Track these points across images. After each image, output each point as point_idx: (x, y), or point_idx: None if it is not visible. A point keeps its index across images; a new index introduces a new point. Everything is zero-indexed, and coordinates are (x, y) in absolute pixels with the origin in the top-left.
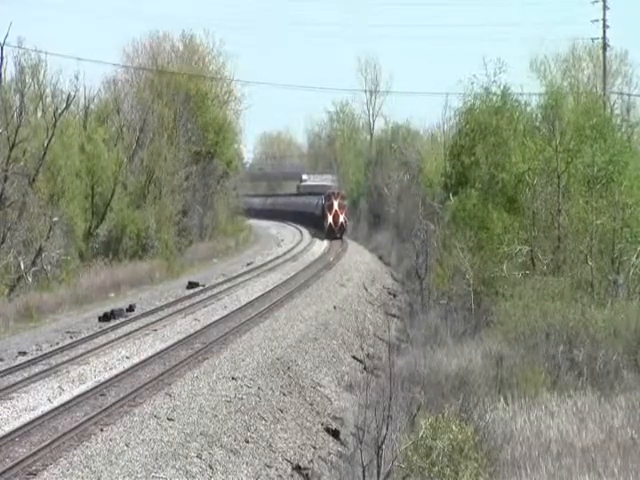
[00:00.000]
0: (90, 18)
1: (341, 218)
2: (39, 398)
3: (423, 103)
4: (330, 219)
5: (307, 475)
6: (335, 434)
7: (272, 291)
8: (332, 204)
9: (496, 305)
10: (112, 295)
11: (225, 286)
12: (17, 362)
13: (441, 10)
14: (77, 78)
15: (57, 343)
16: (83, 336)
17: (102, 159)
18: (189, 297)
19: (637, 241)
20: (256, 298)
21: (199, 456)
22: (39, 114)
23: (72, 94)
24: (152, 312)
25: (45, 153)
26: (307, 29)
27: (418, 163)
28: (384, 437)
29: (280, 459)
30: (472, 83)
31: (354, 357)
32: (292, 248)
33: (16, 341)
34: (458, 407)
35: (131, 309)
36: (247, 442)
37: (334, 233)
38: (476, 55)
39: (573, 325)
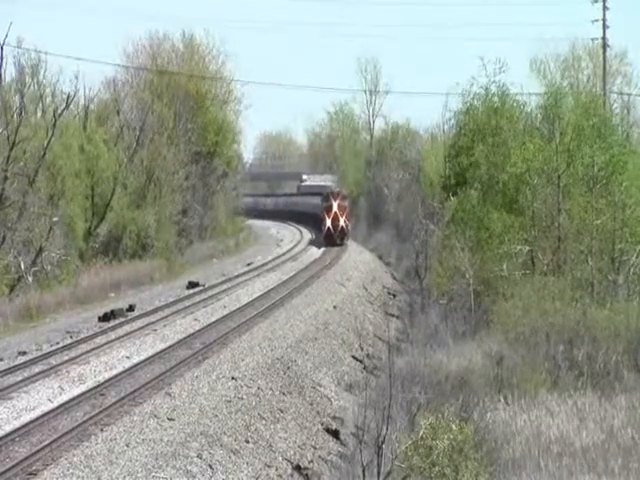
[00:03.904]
0: (90, 18)
1: (341, 221)
2: (39, 398)
3: (423, 103)
4: (329, 222)
5: (307, 475)
6: (335, 434)
7: (272, 291)
8: (331, 205)
9: (496, 305)
10: (112, 295)
11: (225, 286)
12: (17, 362)
13: (441, 10)
14: (77, 78)
15: (57, 343)
16: (83, 336)
17: (102, 159)
18: (189, 297)
19: (637, 241)
20: (256, 298)
21: (199, 456)
22: (39, 114)
23: (72, 94)
24: (152, 312)
25: (45, 153)
26: (306, 29)
27: (418, 163)
28: (384, 437)
29: (280, 459)
30: (472, 84)
31: (354, 357)
32: (292, 248)
33: (16, 341)
34: (458, 407)
35: (131, 309)
36: (247, 442)
37: (333, 239)
38: (476, 55)
39: (573, 325)
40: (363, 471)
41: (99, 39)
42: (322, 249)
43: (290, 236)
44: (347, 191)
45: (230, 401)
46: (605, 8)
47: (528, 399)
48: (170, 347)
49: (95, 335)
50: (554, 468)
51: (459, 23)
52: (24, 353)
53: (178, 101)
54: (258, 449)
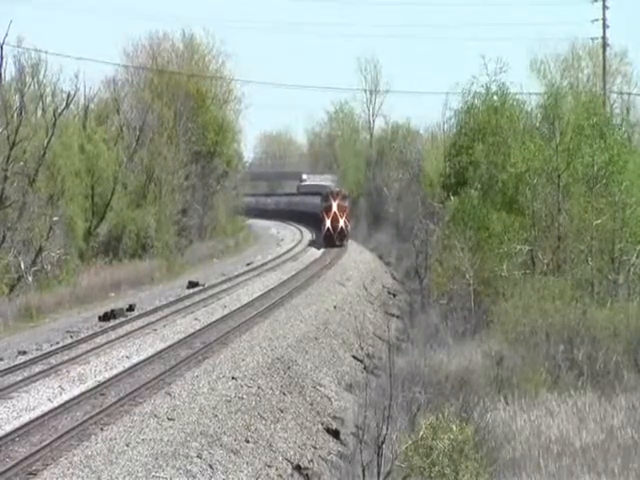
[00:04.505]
0: (90, 18)
1: (341, 222)
2: (39, 398)
3: (423, 103)
4: (328, 223)
5: (307, 475)
6: (335, 434)
7: (272, 291)
8: (331, 205)
9: (496, 305)
10: (112, 295)
11: (225, 286)
12: (17, 362)
13: (442, 10)
14: (77, 78)
15: (57, 343)
16: (83, 336)
17: (102, 159)
18: (189, 297)
19: (637, 241)
20: (256, 298)
21: (199, 456)
22: (39, 114)
23: (72, 94)
24: (152, 312)
25: (45, 153)
26: (306, 29)
27: (418, 163)
28: (384, 437)
29: (280, 459)
30: (472, 83)
31: (354, 357)
32: (292, 248)
33: (16, 341)
34: (458, 407)
35: (131, 309)
36: (247, 442)
37: (333, 240)
38: (476, 55)
39: (573, 325)
40: (363, 471)
41: (99, 39)
42: (322, 249)
43: (290, 236)
44: (347, 191)
45: (230, 401)
46: (605, 8)
47: (528, 399)
48: (170, 347)
49: (95, 335)
50: (554, 468)
51: (459, 23)
52: (24, 353)
53: (178, 101)
54: (258, 449)
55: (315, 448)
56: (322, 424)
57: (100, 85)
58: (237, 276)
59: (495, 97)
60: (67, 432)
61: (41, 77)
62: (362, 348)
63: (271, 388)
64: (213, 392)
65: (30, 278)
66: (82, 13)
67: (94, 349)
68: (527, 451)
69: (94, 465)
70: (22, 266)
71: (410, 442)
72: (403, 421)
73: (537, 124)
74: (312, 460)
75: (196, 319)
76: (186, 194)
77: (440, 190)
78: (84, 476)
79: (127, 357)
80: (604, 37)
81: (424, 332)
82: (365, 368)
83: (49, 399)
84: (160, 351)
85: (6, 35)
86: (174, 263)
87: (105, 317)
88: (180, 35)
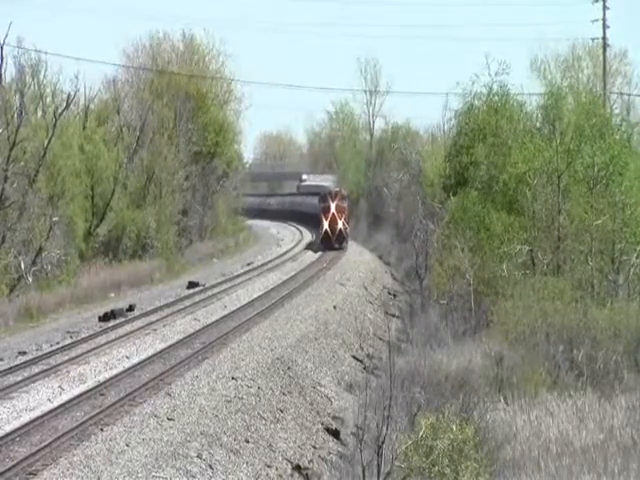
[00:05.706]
0: (90, 18)
1: (340, 224)
2: (39, 398)
3: (423, 103)
4: (326, 225)
5: (307, 475)
6: (335, 434)
7: (272, 291)
8: (329, 206)
9: (496, 305)
10: (112, 295)
11: (225, 286)
12: (17, 362)
13: (442, 10)
14: (77, 78)
15: (57, 343)
16: (83, 336)
17: (102, 159)
18: (189, 297)
19: (637, 241)
20: (256, 298)
21: (199, 456)
22: (39, 114)
23: (72, 94)
24: (152, 312)
25: (45, 153)
26: (306, 29)
27: (418, 163)
28: (384, 437)
29: (280, 459)
30: (473, 83)
31: (354, 357)
32: (292, 248)
33: (16, 341)
34: (458, 407)
35: (131, 309)
36: (247, 442)
37: (331, 243)
38: (476, 55)
39: (573, 325)
40: (363, 471)
41: (99, 39)
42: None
43: (290, 236)
44: (347, 191)
45: (230, 401)
46: (605, 8)
47: (528, 399)
48: (170, 347)
49: (95, 335)
50: (554, 468)
51: (459, 23)
52: (24, 353)
53: (178, 101)
54: (258, 449)
55: (315, 448)
56: (322, 424)
57: (100, 86)
58: (237, 276)
59: (496, 97)
60: (67, 432)
61: (41, 78)
62: (362, 348)
63: (271, 388)
64: (213, 392)
65: (30, 278)
66: (82, 13)
67: (94, 349)
68: (527, 451)
69: (94, 465)
70: (22, 266)
71: (410, 442)
72: (403, 421)
73: (537, 125)
74: (312, 460)
75: (196, 319)
76: (186, 194)
77: (440, 190)
78: (84, 476)
79: (127, 357)
80: (604, 37)
81: (424, 332)
82: (365, 368)
83: (49, 399)
84: (160, 351)
85: (6, 36)
86: (174, 263)
87: (105, 317)
88: (180, 35)
